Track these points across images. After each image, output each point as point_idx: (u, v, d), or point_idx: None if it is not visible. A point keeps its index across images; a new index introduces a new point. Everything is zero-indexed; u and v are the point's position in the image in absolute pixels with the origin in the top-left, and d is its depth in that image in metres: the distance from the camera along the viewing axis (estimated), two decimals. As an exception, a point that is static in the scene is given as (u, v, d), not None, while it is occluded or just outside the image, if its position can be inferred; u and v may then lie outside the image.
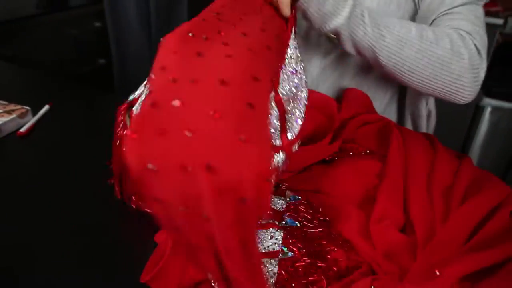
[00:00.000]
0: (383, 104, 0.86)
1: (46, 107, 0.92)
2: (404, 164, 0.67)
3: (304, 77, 0.62)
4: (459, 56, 0.66)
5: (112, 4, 1.93)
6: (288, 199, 0.62)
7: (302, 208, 0.60)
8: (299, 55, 0.62)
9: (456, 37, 0.67)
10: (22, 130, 0.83)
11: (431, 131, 0.91)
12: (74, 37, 2.14)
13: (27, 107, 0.87)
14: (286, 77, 0.57)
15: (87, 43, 2.23)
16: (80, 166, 0.75)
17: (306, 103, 0.60)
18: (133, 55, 2.03)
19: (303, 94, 0.60)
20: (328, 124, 0.70)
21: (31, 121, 0.86)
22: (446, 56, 0.65)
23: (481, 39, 0.69)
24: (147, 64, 2.14)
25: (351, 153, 0.70)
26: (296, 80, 0.59)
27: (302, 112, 0.58)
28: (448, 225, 0.57)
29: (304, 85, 0.61)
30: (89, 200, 0.67)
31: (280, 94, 0.53)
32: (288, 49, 0.59)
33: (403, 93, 0.86)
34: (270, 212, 0.59)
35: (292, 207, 0.60)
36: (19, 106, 0.87)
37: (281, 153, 0.50)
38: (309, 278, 0.50)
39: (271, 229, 0.56)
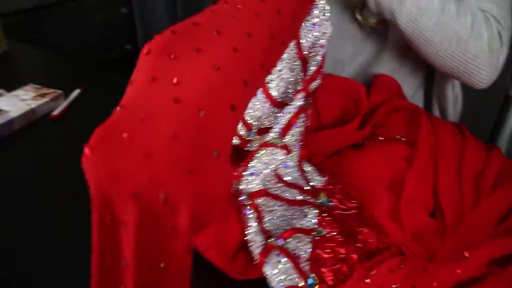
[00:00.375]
0: (412, 90, 0.86)
1: (77, 91, 0.94)
2: (433, 150, 0.67)
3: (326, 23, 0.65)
4: (478, 36, 0.65)
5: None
6: (325, 178, 0.63)
7: (336, 189, 0.61)
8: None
9: (480, 17, 0.66)
10: (55, 112, 0.85)
11: (457, 116, 0.90)
12: (100, 23, 2.17)
13: (60, 91, 0.89)
14: (307, 30, 0.64)
15: (114, 29, 2.25)
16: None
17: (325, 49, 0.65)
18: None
19: (323, 41, 0.65)
20: (356, 109, 0.70)
21: (64, 104, 0.88)
22: (464, 33, 0.65)
23: (506, 24, 0.68)
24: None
25: (380, 138, 0.70)
26: (315, 33, 0.64)
27: (320, 56, 0.64)
28: (477, 211, 0.57)
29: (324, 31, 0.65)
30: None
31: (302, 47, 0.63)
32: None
33: (431, 78, 0.86)
34: (308, 188, 0.60)
35: (328, 187, 0.61)
36: (51, 90, 0.89)
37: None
38: (340, 256, 0.51)
39: (305, 206, 0.57)
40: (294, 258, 0.50)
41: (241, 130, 0.65)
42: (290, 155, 0.62)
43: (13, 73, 1.08)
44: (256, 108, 0.66)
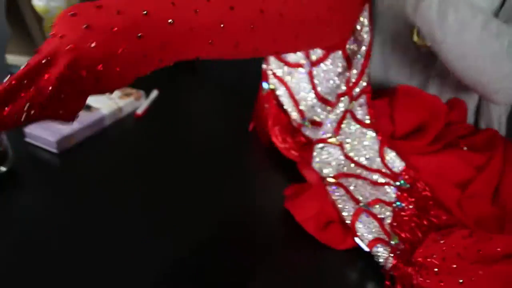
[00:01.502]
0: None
1: (156, 91, 1.00)
2: (503, 166, 0.70)
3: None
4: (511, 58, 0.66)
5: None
6: (404, 163, 0.70)
7: (412, 174, 0.69)
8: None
9: None
10: (139, 111, 0.91)
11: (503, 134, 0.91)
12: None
13: (141, 91, 0.96)
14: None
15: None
16: (192, 146, 0.83)
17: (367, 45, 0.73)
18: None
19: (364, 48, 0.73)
20: (433, 124, 0.74)
21: (145, 104, 0.94)
22: (500, 53, 0.65)
23: None
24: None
25: (463, 147, 0.74)
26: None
27: (364, 51, 0.72)
28: None
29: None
30: (206, 174, 0.74)
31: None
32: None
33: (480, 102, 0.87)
34: (389, 172, 0.70)
35: (406, 173, 0.69)
36: (134, 90, 0.95)
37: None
38: (416, 223, 0.62)
39: (386, 187, 0.68)
40: (380, 220, 0.62)
41: (296, 116, 0.80)
42: (370, 144, 0.73)
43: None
44: (307, 100, 0.79)
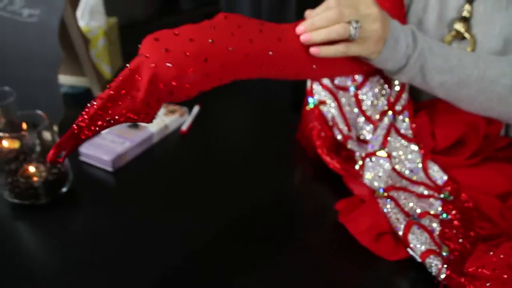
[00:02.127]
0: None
1: (197, 107, 1.03)
2: None
3: None
4: None
5: (229, 6, 2.05)
6: (447, 176, 0.73)
7: (455, 186, 0.71)
8: None
9: None
10: (183, 128, 0.95)
11: None
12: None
13: (185, 107, 0.99)
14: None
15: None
16: (237, 160, 0.86)
17: None
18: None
19: None
20: (472, 139, 0.76)
21: (189, 120, 0.98)
22: (504, 93, 0.68)
23: None
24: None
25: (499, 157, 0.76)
26: None
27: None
28: None
29: None
30: (253, 186, 0.78)
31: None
32: None
33: None
34: (433, 185, 0.72)
35: (449, 186, 0.72)
36: (177, 106, 0.99)
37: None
38: (463, 235, 0.64)
39: (431, 199, 0.70)
40: (430, 232, 0.64)
41: (344, 129, 0.83)
42: (414, 157, 0.75)
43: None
44: (353, 119, 0.82)
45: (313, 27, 0.62)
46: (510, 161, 0.76)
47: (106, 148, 0.82)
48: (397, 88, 0.76)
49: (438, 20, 0.82)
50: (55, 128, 0.90)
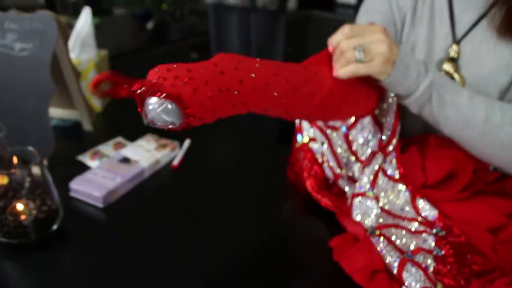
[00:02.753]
0: None
1: (188, 141, 1.03)
2: None
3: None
4: None
5: (218, 38, 2.07)
6: (437, 210, 0.73)
7: (446, 222, 0.72)
8: None
9: None
10: (175, 163, 0.94)
11: None
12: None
13: (176, 142, 0.99)
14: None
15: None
16: (228, 194, 0.86)
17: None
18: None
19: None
20: (463, 173, 0.77)
21: (180, 154, 0.97)
22: (507, 140, 0.70)
23: None
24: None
25: (489, 191, 0.77)
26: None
27: (392, 117, 0.77)
28: None
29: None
30: (243, 222, 0.77)
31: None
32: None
33: None
34: (425, 221, 0.73)
35: (441, 221, 0.72)
36: (169, 141, 0.99)
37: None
38: (457, 271, 0.64)
39: (424, 234, 0.71)
40: (424, 269, 0.64)
41: (335, 167, 0.83)
42: (402, 196, 0.76)
43: (121, 121, 1.19)
44: (343, 157, 0.83)
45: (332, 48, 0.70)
46: (500, 194, 0.77)
47: (97, 184, 0.81)
48: (388, 132, 0.77)
49: (429, 60, 0.84)
50: (45, 161, 0.89)
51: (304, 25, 3.20)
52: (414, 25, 0.86)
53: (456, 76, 0.79)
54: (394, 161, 0.77)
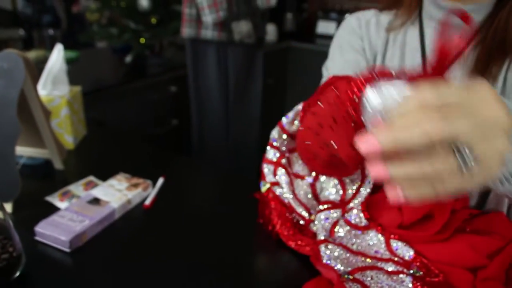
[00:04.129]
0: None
1: (161, 179, 1.01)
2: None
3: None
4: None
5: (195, 72, 2.08)
6: (413, 250, 0.72)
7: (423, 261, 0.70)
8: None
9: None
10: (147, 202, 0.92)
11: None
12: (153, 101, 2.31)
13: (149, 181, 0.97)
14: None
15: (164, 106, 2.39)
16: (201, 233, 0.83)
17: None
18: (211, 122, 2.16)
19: None
20: (440, 213, 0.75)
21: (153, 193, 0.95)
22: None
23: None
24: (222, 131, 2.26)
25: (467, 230, 0.75)
26: None
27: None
28: None
29: None
30: (216, 263, 0.74)
31: None
32: None
33: None
34: (401, 261, 0.71)
35: (417, 260, 0.71)
36: (141, 180, 0.96)
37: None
38: None
39: (401, 275, 0.68)
40: None
41: (303, 212, 0.81)
42: (374, 239, 0.75)
43: (94, 159, 1.16)
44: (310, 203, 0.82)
45: (394, 145, 0.39)
46: (479, 233, 0.76)
47: (63, 227, 0.78)
48: (354, 188, 0.77)
49: None
50: (10, 204, 0.85)
51: (284, 57, 3.23)
52: (384, 64, 0.86)
53: None
54: (359, 211, 0.76)
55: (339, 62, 0.91)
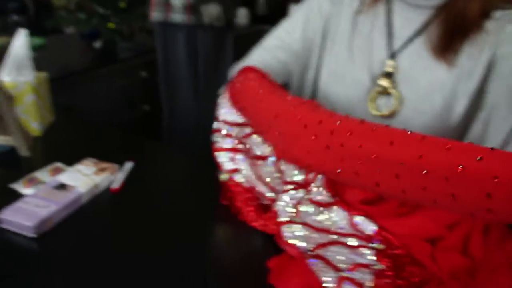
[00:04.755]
0: None
1: (130, 163, 1.00)
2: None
3: None
4: None
5: (165, 57, 2.05)
6: (376, 225, 0.72)
7: (385, 235, 0.72)
8: None
9: None
10: (115, 186, 0.91)
11: None
12: (123, 86, 2.28)
13: (116, 165, 0.96)
14: None
15: (134, 91, 2.36)
16: (169, 216, 0.83)
17: None
18: (181, 106, 2.15)
19: None
20: None
21: (121, 177, 0.94)
22: None
23: None
24: (193, 115, 2.24)
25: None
26: None
27: None
28: (504, 250, 0.67)
29: None
30: (184, 245, 0.75)
31: None
32: None
33: None
34: (364, 235, 0.72)
35: (379, 235, 0.72)
36: (109, 164, 0.96)
37: None
38: (396, 284, 0.65)
39: (360, 249, 0.70)
40: (360, 285, 0.64)
41: (266, 190, 0.82)
42: (337, 215, 0.75)
43: (61, 145, 1.15)
44: (274, 181, 0.82)
45: None
46: None
47: (28, 212, 0.77)
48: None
49: (368, 74, 0.84)
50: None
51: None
52: (334, 42, 0.86)
53: (393, 91, 0.80)
54: (323, 187, 0.77)
55: (269, 41, 0.93)
